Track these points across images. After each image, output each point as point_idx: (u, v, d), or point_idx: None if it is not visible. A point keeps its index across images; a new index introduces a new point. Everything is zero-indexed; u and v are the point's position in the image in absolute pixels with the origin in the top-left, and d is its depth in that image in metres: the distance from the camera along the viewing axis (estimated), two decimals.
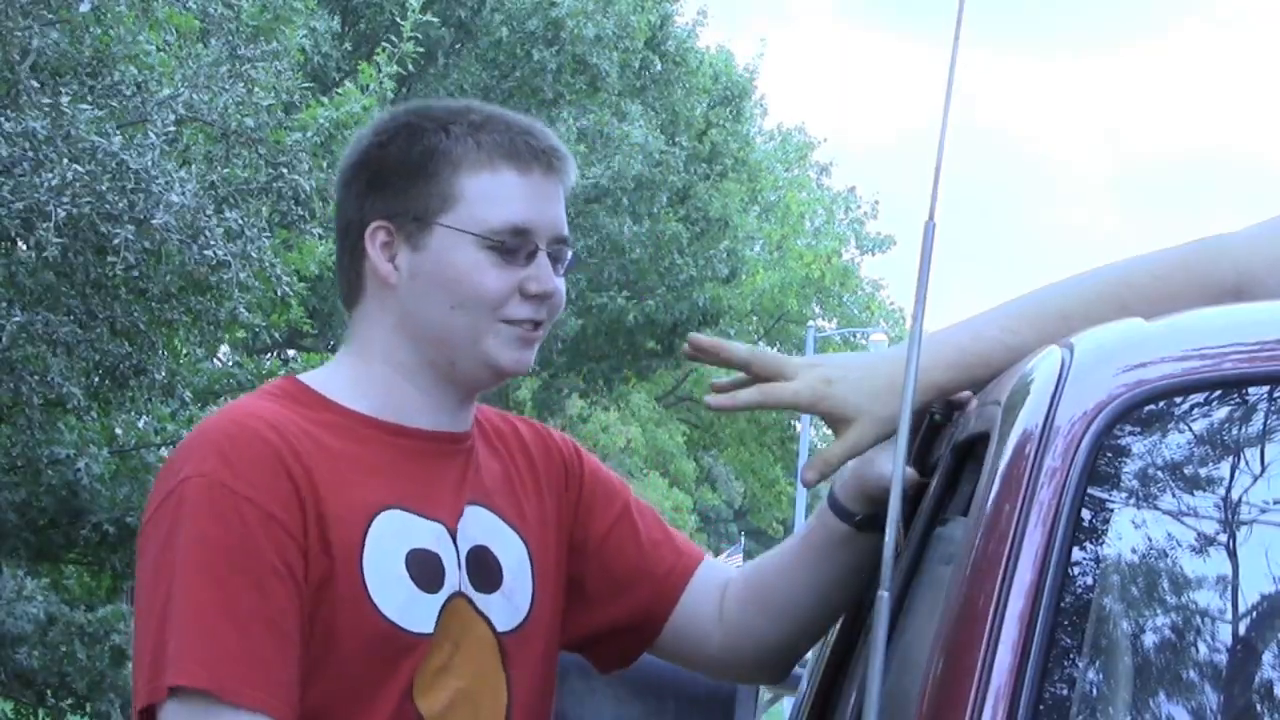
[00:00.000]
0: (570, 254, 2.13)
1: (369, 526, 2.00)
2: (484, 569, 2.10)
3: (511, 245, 2.06)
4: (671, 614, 2.25)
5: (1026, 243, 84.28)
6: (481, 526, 2.11)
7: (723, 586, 2.27)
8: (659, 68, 21.67)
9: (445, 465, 2.10)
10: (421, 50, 11.34)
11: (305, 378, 2.12)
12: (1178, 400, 1.64)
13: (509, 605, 2.11)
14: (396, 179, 2.08)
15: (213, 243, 7.56)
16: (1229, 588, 1.56)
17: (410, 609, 2.00)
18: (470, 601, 2.08)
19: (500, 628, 2.10)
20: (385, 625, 1.98)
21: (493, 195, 2.06)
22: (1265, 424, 1.63)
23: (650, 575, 2.24)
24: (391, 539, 2.01)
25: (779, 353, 2.23)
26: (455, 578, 2.06)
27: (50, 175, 7.04)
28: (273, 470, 1.95)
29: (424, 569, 2.03)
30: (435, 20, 12.94)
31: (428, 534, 2.05)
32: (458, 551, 2.07)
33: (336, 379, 2.11)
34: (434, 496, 2.07)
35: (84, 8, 7.47)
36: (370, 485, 2.03)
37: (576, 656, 2.36)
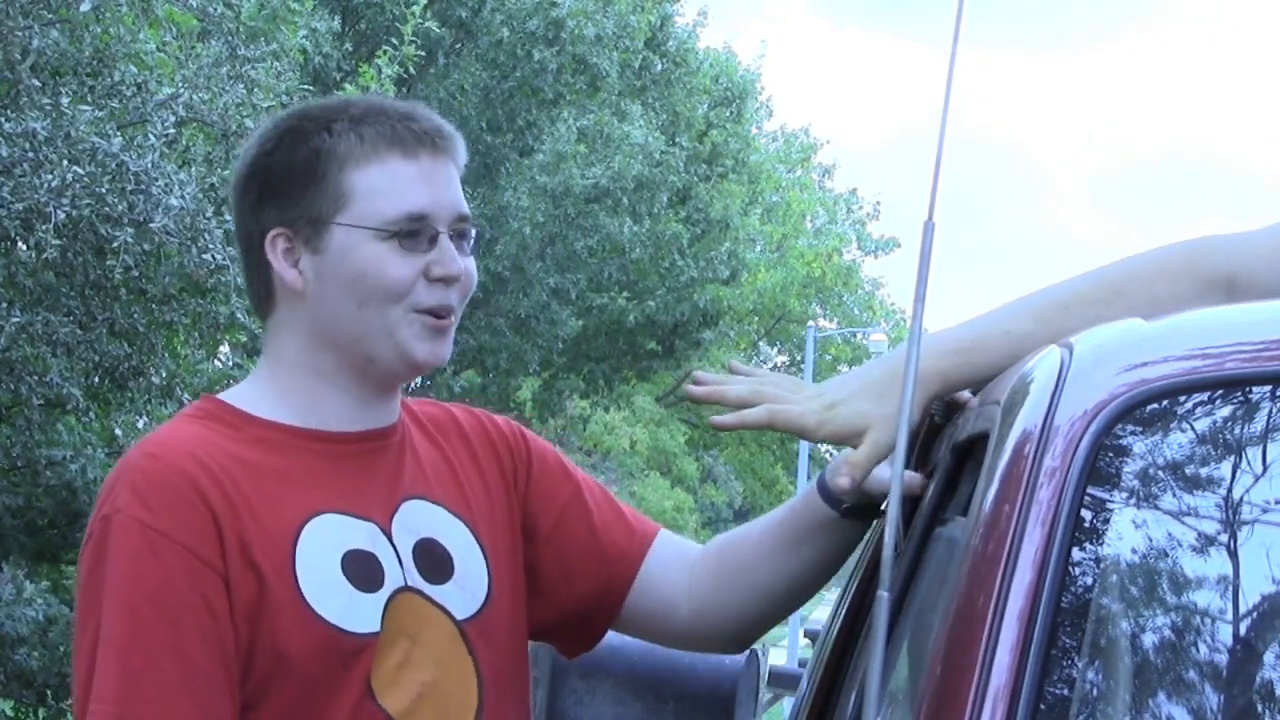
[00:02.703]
0: (474, 231, 2.13)
1: (299, 535, 2.01)
2: (433, 560, 2.10)
3: (410, 232, 2.05)
4: (628, 594, 2.25)
5: (1005, 244, 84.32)
6: (423, 519, 2.12)
7: (687, 560, 2.27)
8: (659, 68, 21.68)
9: (374, 463, 2.11)
10: (422, 52, 11.35)
11: (226, 395, 2.13)
12: (1178, 400, 1.64)
13: (464, 593, 2.11)
14: (287, 185, 2.08)
15: (212, 245, 7.56)
16: (1229, 588, 1.55)
17: (352, 611, 2.01)
18: (423, 594, 2.08)
19: (459, 615, 2.10)
20: (329, 630, 1.99)
21: (384, 186, 2.06)
22: (1266, 424, 1.63)
23: (603, 558, 2.24)
24: (323, 544, 2.02)
25: (784, 376, 2.23)
26: (397, 574, 2.06)
27: (50, 176, 7.03)
28: (187, 502, 1.98)
29: (361, 569, 2.04)
30: (435, 26, 12.95)
31: (361, 534, 2.05)
32: (395, 548, 2.07)
33: (257, 392, 2.11)
34: (365, 496, 2.08)
35: (84, 8, 7.46)
36: (298, 495, 2.04)
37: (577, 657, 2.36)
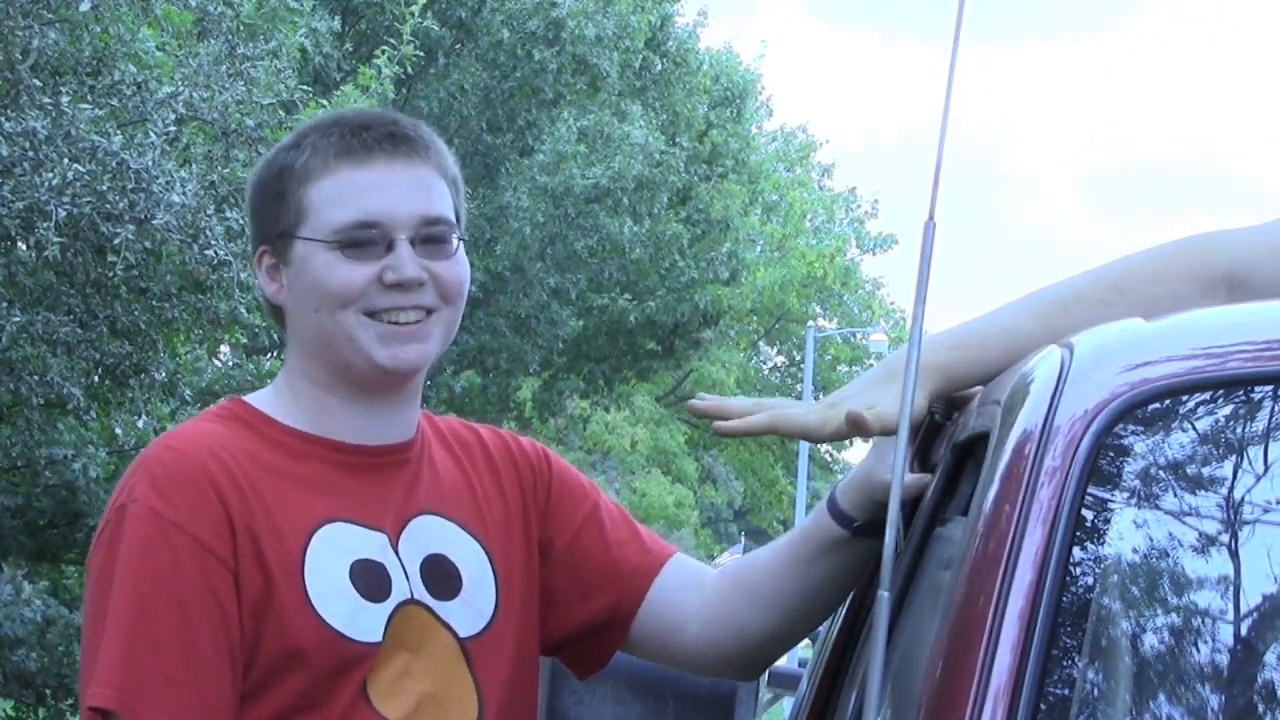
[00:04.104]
0: (453, 233, 2.13)
1: (310, 539, 2.04)
2: (441, 576, 2.13)
3: (359, 240, 2.09)
4: (638, 613, 2.26)
5: (1003, 244, 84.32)
6: (435, 535, 2.14)
7: (699, 582, 2.27)
8: (659, 68, 21.66)
9: (388, 477, 2.14)
10: (421, 52, 11.33)
11: (250, 398, 2.18)
12: (1179, 400, 1.64)
13: (470, 611, 2.13)
14: (263, 204, 2.16)
15: (213, 242, 7.56)
16: (1230, 588, 1.55)
17: (356, 619, 2.04)
18: (428, 609, 2.10)
19: (462, 633, 2.12)
20: (331, 635, 2.02)
21: (333, 197, 2.10)
22: (1268, 424, 1.63)
23: (615, 575, 2.26)
24: (334, 551, 2.05)
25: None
26: (404, 587, 2.09)
27: (50, 175, 7.03)
28: (202, 495, 2.01)
29: (369, 579, 2.06)
30: (434, 25, 12.92)
31: (372, 544, 2.08)
32: (401, 561, 2.10)
33: (277, 399, 2.16)
34: (376, 508, 2.11)
35: (84, 7, 7.46)
36: (312, 499, 2.07)
37: None
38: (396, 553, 2.10)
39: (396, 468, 2.14)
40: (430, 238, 2.11)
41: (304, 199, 2.10)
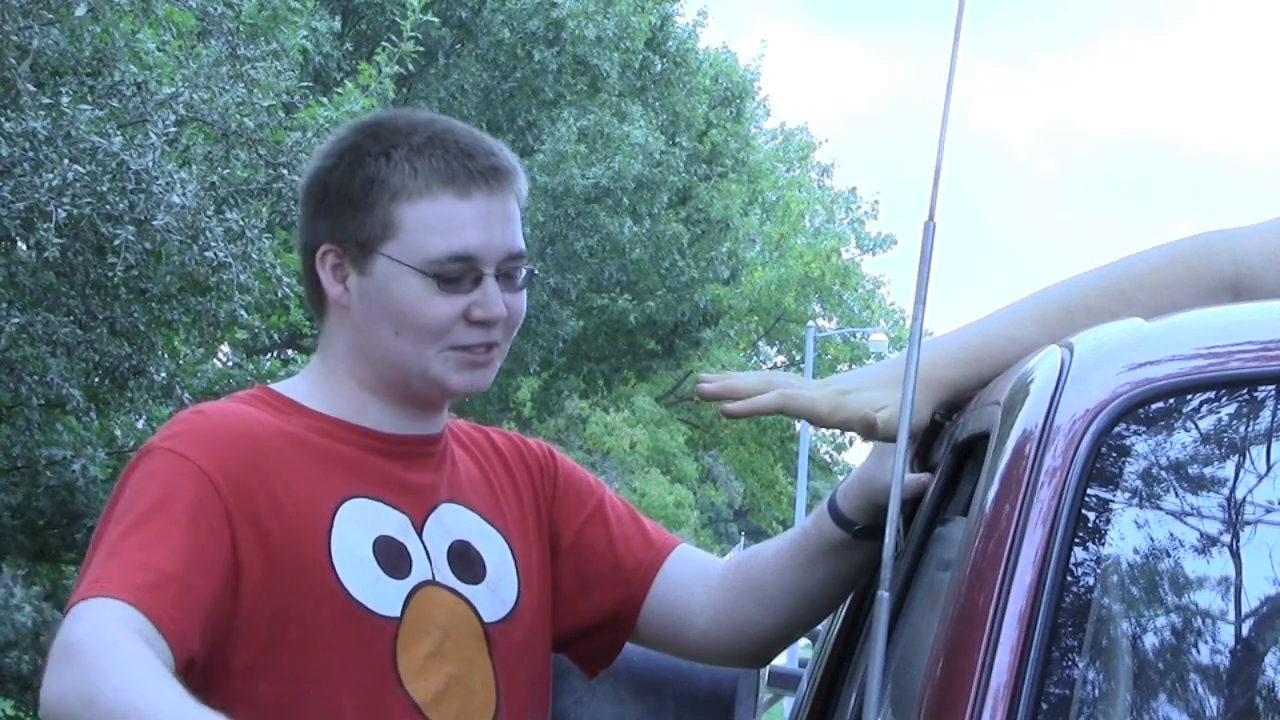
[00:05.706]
0: (525, 270, 2.14)
1: (337, 509, 2.05)
2: (467, 562, 2.14)
3: (454, 274, 2.08)
4: (643, 606, 2.26)
5: (1000, 241, 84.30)
6: (460, 522, 2.16)
7: (705, 574, 2.28)
8: (659, 68, 21.66)
9: (417, 465, 2.15)
10: (421, 50, 11.31)
11: (278, 386, 2.18)
12: (1179, 399, 1.64)
13: (494, 597, 2.15)
14: (341, 205, 2.11)
15: (213, 244, 7.56)
16: (1230, 588, 1.55)
17: (376, 591, 2.04)
18: (454, 591, 2.11)
19: (487, 618, 2.13)
20: (351, 603, 2.02)
21: (432, 224, 2.08)
22: (1270, 424, 1.63)
23: (620, 570, 2.27)
24: (358, 524, 2.06)
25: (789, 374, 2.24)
26: (425, 568, 2.09)
27: (50, 175, 7.03)
28: (229, 448, 2.01)
29: (390, 555, 2.07)
30: (435, 20, 12.89)
31: (394, 522, 2.09)
32: (425, 544, 2.11)
33: (307, 387, 2.16)
34: (402, 491, 2.12)
35: (80, 11, 7.46)
36: (339, 476, 2.08)
37: None
38: (420, 536, 2.11)
39: (424, 457, 2.16)
40: (510, 272, 2.12)
41: (397, 216, 2.08)
